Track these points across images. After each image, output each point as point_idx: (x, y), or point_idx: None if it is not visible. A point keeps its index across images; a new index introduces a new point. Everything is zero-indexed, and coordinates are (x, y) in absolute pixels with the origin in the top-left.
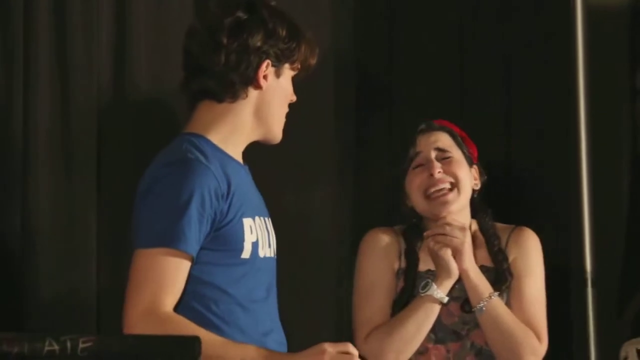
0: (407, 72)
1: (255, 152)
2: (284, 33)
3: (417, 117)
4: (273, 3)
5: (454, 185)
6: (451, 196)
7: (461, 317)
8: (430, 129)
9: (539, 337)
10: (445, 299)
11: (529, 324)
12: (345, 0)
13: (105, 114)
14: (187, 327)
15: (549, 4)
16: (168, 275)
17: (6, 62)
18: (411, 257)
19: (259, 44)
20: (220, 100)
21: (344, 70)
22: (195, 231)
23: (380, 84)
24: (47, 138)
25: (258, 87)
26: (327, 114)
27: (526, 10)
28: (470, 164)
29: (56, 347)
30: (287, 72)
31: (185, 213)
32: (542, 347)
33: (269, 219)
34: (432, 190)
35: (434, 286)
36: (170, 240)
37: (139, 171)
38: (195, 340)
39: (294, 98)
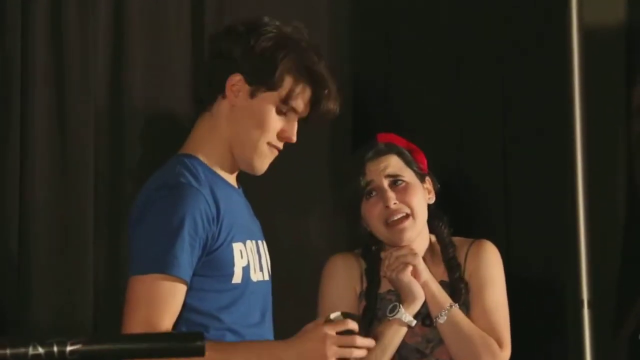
0: (403, 95)
1: (250, 177)
2: (265, 55)
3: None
4: (308, 40)
5: (410, 214)
6: (408, 223)
7: (424, 336)
8: (378, 154)
9: (500, 344)
10: (414, 323)
11: (491, 332)
12: (342, 19)
13: (101, 131)
14: None
15: (546, 23)
16: (162, 301)
17: (3, 79)
18: (371, 277)
19: (233, 55)
20: (203, 109)
21: (341, 93)
22: (187, 256)
23: (376, 108)
24: (44, 154)
25: (228, 98)
26: (323, 137)
27: (523, 30)
28: (423, 179)
29: (41, 351)
30: (268, 99)
31: (177, 238)
32: (504, 354)
33: (263, 241)
34: (391, 220)
35: (402, 310)
36: (164, 265)
37: (136, 188)
38: (198, 336)
39: (290, 137)
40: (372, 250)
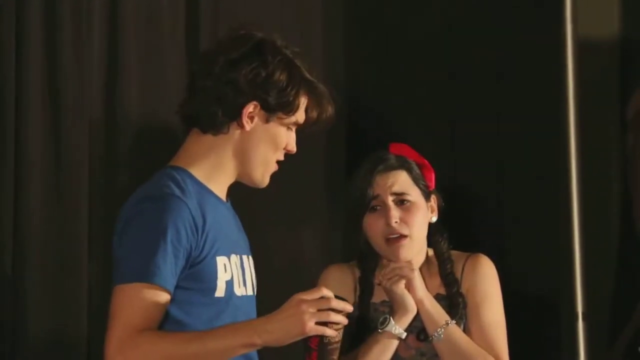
0: (397, 109)
1: (245, 190)
2: (282, 82)
3: None
4: (294, 50)
5: (408, 235)
6: (405, 243)
7: (418, 350)
8: (388, 169)
9: None
10: (404, 335)
11: (490, 350)
12: (336, 31)
13: (96, 148)
14: (162, 339)
15: (541, 35)
16: (144, 308)
17: None
18: (364, 285)
19: (249, 84)
20: (204, 130)
21: (335, 107)
22: (171, 265)
23: (370, 121)
24: (39, 174)
25: (241, 125)
26: (317, 152)
27: (518, 43)
28: (428, 197)
29: None
30: (281, 121)
31: (159, 247)
32: None
33: (249, 256)
34: (390, 237)
35: (392, 322)
36: (146, 275)
37: None
38: None
39: (292, 149)
40: (368, 259)
